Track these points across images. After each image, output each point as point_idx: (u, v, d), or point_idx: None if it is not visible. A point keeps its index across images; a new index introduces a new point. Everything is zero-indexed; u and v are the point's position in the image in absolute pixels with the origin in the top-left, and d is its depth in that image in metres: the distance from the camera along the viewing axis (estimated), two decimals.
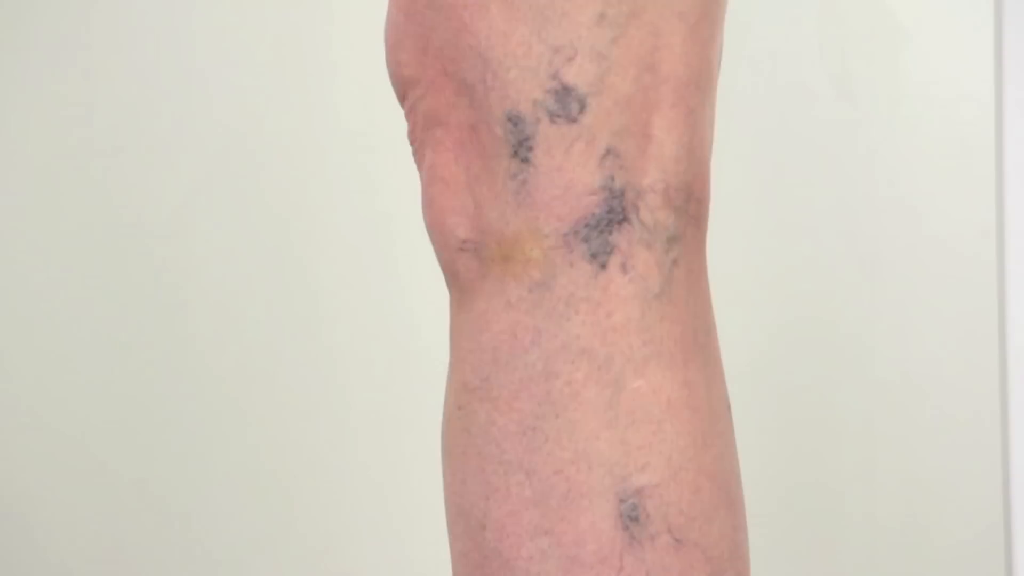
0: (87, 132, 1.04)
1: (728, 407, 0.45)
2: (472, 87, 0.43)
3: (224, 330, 1.04)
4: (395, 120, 0.48)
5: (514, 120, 0.42)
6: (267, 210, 1.04)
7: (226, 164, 1.04)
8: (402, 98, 0.45)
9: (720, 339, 0.45)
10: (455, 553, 0.44)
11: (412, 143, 0.45)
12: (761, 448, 0.94)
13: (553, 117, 0.42)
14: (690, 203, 0.43)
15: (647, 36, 0.42)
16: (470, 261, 0.43)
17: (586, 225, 0.42)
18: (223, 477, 1.04)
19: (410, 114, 0.45)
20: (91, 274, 1.05)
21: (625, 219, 0.42)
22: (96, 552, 1.05)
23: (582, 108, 0.42)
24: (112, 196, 1.04)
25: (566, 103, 0.42)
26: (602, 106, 0.42)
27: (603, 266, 0.42)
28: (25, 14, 1.04)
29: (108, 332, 1.05)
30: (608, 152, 0.42)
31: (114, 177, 1.04)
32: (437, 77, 0.44)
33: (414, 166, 0.46)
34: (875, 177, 0.95)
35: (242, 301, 1.04)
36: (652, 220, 0.42)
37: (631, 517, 0.41)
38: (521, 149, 0.42)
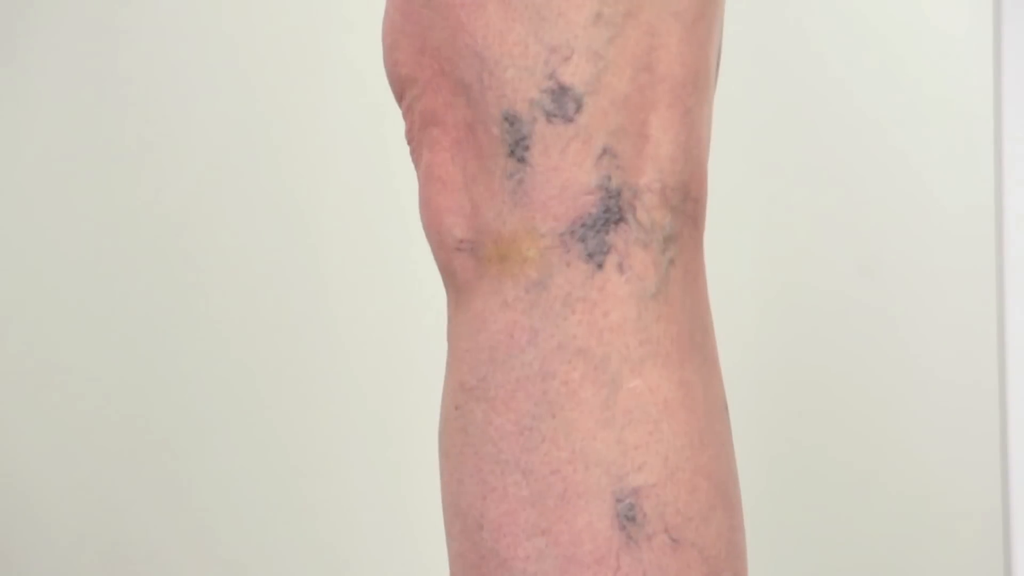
0: (97, 126, 1.04)
1: (725, 407, 0.45)
2: (469, 87, 0.43)
3: (219, 330, 1.04)
4: (393, 119, 0.48)
5: (511, 120, 0.42)
6: (264, 212, 1.04)
7: (226, 163, 1.04)
8: (399, 97, 0.45)
9: (718, 339, 0.45)
10: (452, 553, 0.44)
11: (409, 143, 0.45)
12: (759, 448, 0.94)
13: (549, 117, 0.42)
14: (687, 203, 0.43)
15: (644, 36, 0.42)
16: (467, 261, 0.43)
17: (583, 225, 0.42)
18: (220, 474, 1.04)
19: (407, 113, 0.45)
20: (99, 267, 1.05)
21: (622, 219, 0.42)
22: (100, 540, 1.05)
23: (578, 108, 0.42)
24: (121, 188, 1.05)
25: (562, 103, 0.42)
26: (598, 106, 0.42)
27: (600, 266, 0.42)
28: (34, 11, 1.04)
29: (114, 327, 1.05)
30: (605, 152, 0.42)
31: (123, 170, 1.04)
32: (434, 77, 0.44)
33: (412, 165, 0.46)
34: (874, 176, 0.95)
35: (238, 301, 1.04)
36: (649, 220, 0.42)
37: (628, 517, 0.41)
38: (518, 149, 0.42)
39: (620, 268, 0.42)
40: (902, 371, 0.94)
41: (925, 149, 0.94)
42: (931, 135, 0.93)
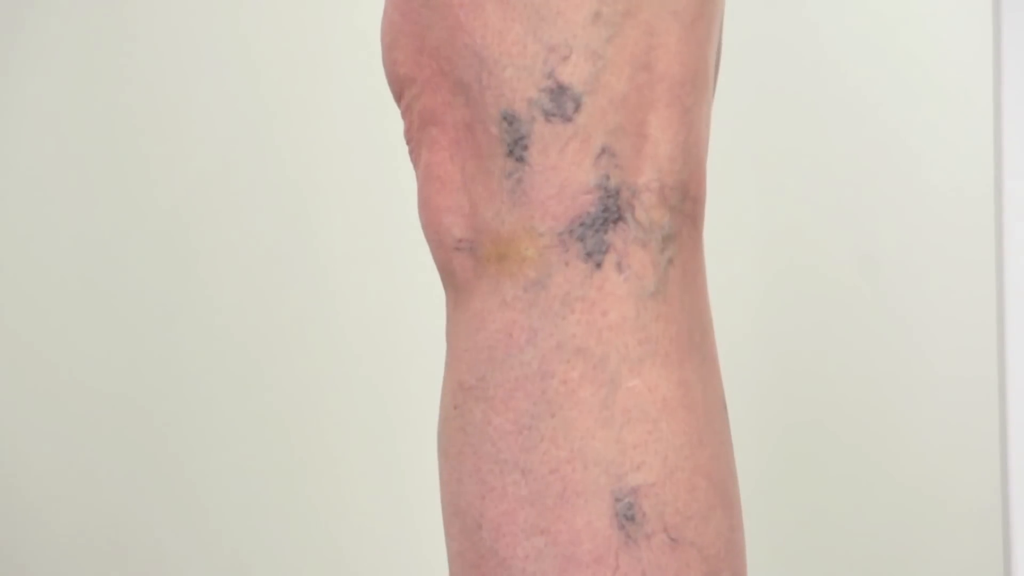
0: (101, 121, 1.05)
1: (724, 406, 0.45)
2: (468, 86, 0.43)
3: (221, 329, 1.04)
4: (393, 119, 0.48)
5: (509, 119, 0.42)
6: (265, 210, 1.04)
7: (227, 163, 1.04)
8: (398, 97, 0.45)
9: (717, 337, 0.45)
10: (451, 552, 0.44)
11: (408, 142, 0.45)
12: (757, 447, 0.94)
13: (548, 116, 0.42)
14: (686, 202, 0.43)
15: (642, 35, 0.42)
16: (466, 260, 0.43)
17: (581, 224, 0.42)
18: (220, 472, 1.04)
19: (406, 113, 0.45)
20: (101, 265, 1.05)
21: (620, 218, 0.42)
22: (101, 538, 1.05)
23: (577, 107, 0.42)
24: (124, 185, 1.05)
25: (561, 102, 0.42)
26: (597, 105, 0.42)
27: (598, 265, 0.42)
28: (37, 10, 1.04)
29: (116, 324, 1.05)
30: (603, 151, 0.42)
31: (125, 166, 1.04)
32: (433, 76, 0.44)
33: (411, 165, 0.46)
34: (873, 173, 0.95)
35: (238, 299, 1.04)
36: (647, 219, 0.42)
37: (627, 516, 0.41)
38: (516, 148, 0.42)
39: (619, 267, 0.42)
40: (902, 368, 0.94)
41: (924, 142, 0.94)
42: (931, 127, 0.93)
